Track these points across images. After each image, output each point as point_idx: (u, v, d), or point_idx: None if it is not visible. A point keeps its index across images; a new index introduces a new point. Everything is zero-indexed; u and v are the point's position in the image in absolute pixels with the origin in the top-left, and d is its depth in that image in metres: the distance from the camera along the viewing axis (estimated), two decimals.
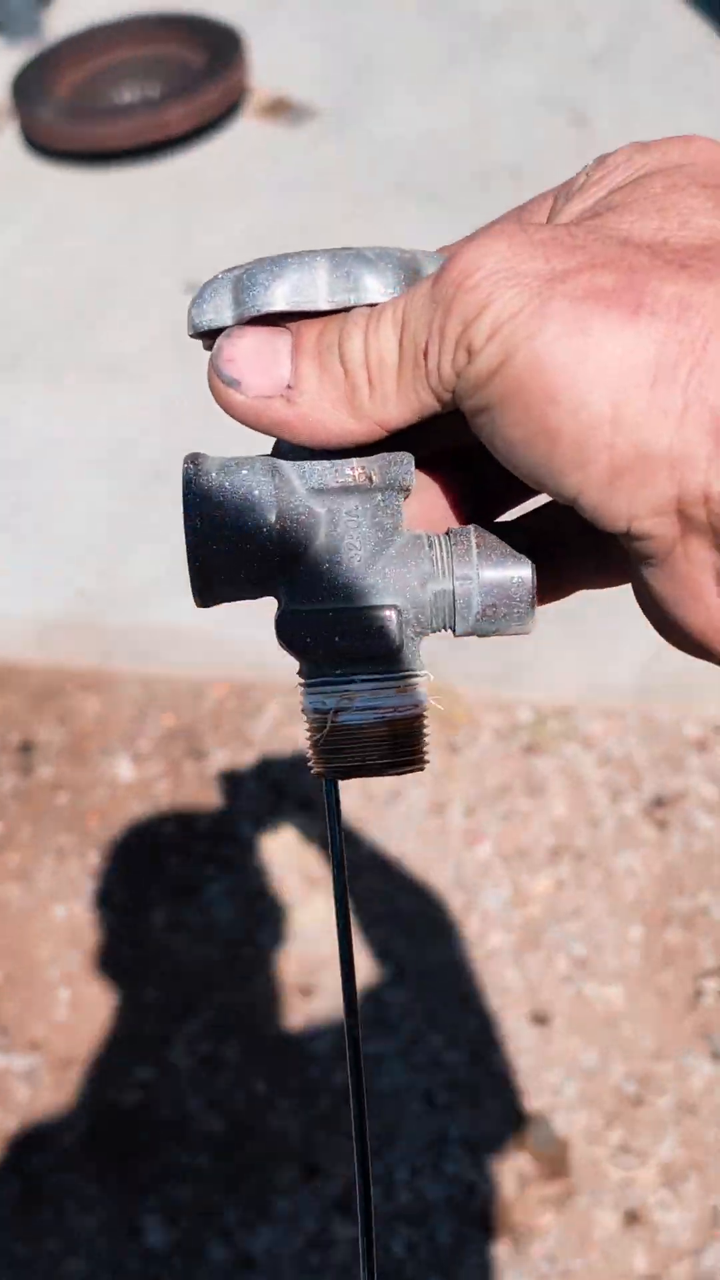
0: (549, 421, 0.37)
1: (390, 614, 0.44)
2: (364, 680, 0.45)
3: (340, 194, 3.34)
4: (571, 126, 3.43)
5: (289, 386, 0.41)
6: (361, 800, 2.21)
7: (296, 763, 2.26)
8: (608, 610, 2.56)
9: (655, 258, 0.38)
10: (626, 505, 0.38)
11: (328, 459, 0.44)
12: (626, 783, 2.22)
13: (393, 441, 0.43)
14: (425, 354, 0.39)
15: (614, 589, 0.48)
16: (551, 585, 0.47)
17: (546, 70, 3.65)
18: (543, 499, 0.43)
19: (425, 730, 0.45)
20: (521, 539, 0.45)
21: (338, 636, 0.44)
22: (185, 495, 0.44)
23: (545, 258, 0.38)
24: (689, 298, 0.37)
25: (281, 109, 3.61)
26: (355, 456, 0.44)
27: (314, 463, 0.44)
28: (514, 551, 0.45)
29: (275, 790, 2.25)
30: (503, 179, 3.30)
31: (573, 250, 0.38)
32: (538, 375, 0.37)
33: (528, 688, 2.33)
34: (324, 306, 0.41)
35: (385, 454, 0.44)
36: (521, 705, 2.32)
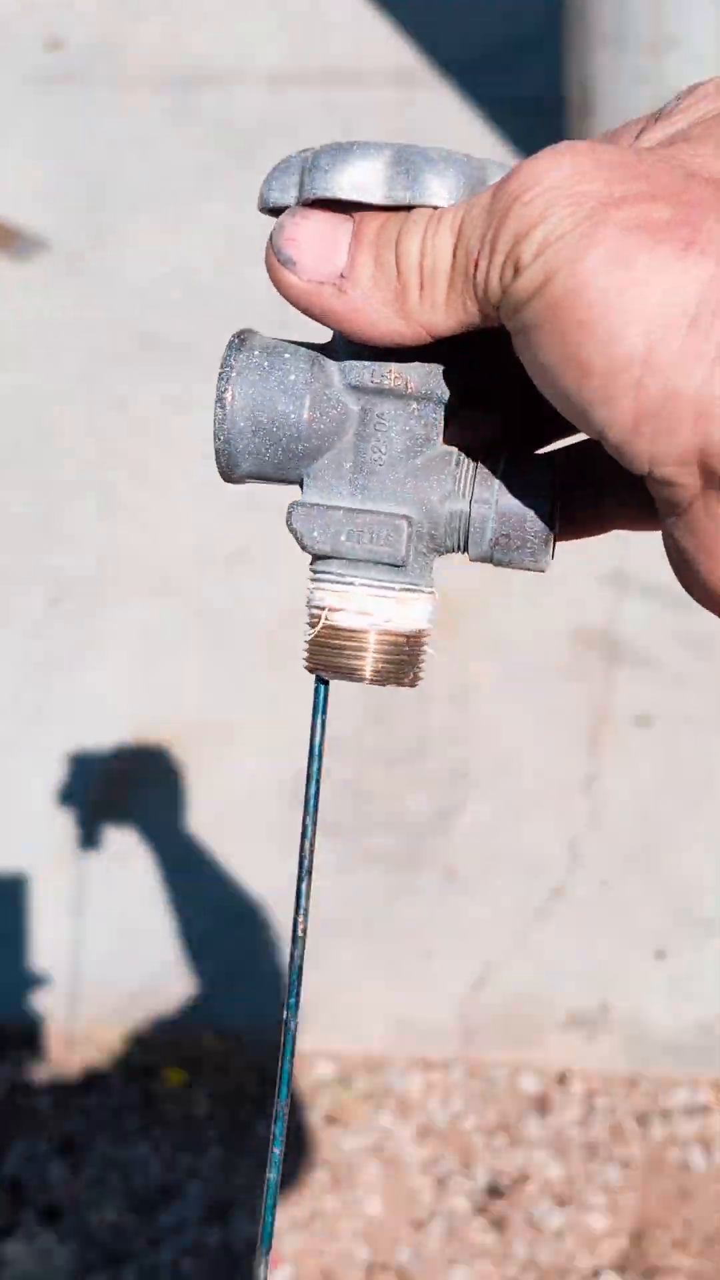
0: (581, 351, 0.36)
1: (401, 523, 0.44)
2: (364, 584, 0.45)
3: (74, 349, 2.84)
4: None
5: (342, 276, 0.41)
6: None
7: None
8: (419, 926, 2.26)
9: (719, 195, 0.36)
10: (649, 449, 0.37)
11: (371, 360, 0.43)
12: (455, 1164, 1.78)
13: (438, 356, 0.43)
14: (476, 264, 0.39)
15: None
16: (587, 520, 0.46)
17: None
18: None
19: (421, 649, 0.46)
20: (552, 475, 0.44)
21: (345, 535, 0.44)
22: (223, 366, 0.44)
23: (606, 181, 0.37)
24: None
25: (4, 240, 3.09)
26: (399, 362, 0.43)
27: (355, 361, 0.44)
28: (540, 485, 0.44)
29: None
30: (269, 327, 2.85)
31: (635, 177, 0.37)
32: (575, 302, 0.36)
33: (324, 1031, 1.87)
34: (381, 201, 0.41)
35: (428, 365, 0.43)
36: (320, 1057, 1.86)
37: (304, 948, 0.47)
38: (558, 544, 0.45)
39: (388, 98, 3.50)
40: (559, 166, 0.37)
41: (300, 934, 0.47)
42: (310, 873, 0.47)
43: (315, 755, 0.47)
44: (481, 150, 3.28)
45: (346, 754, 2.14)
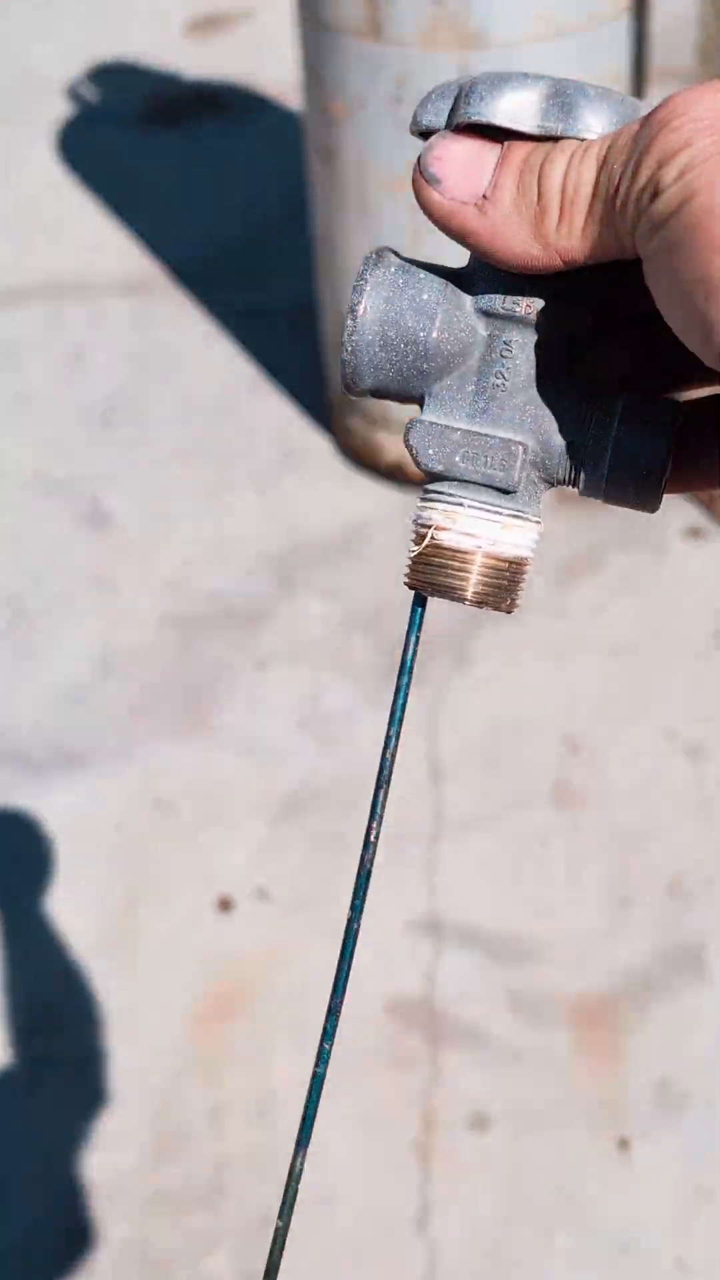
0: (710, 269, 0.37)
1: (518, 449, 0.45)
2: (473, 505, 0.45)
3: None
4: (89, 527, 2.64)
5: (484, 197, 0.42)
6: None
7: None
8: None
9: None
10: None
11: (504, 289, 0.44)
12: None
13: (572, 289, 0.44)
14: (617, 189, 0.39)
15: None
16: (700, 473, 0.46)
17: (48, 441, 2.85)
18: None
19: (522, 575, 0.46)
20: (673, 417, 0.45)
21: (460, 456, 0.45)
22: (357, 280, 0.45)
23: None
24: None
25: None
26: (534, 295, 0.44)
27: (489, 286, 0.44)
28: (658, 426, 0.44)
29: None
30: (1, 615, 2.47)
31: None
32: (712, 220, 0.37)
33: None
34: (533, 130, 0.42)
35: (560, 297, 0.44)
36: None
37: (374, 853, 0.49)
38: (666, 495, 0.45)
39: (120, 309, 3.15)
40: (706, 100, 0.38)
41: (373, 840, 0.49)
42: (389, 782, 0.49)
43: (406, 669, 0.49)
44: (221, 358, 2.96)
45: (128, 1200, 1.75)
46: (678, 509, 2.55)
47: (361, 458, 2.65)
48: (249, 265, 3.21)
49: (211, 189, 3.51)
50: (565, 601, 2.41)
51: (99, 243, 3.34)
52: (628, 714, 2.23)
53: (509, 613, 0.47)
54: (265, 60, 3.80)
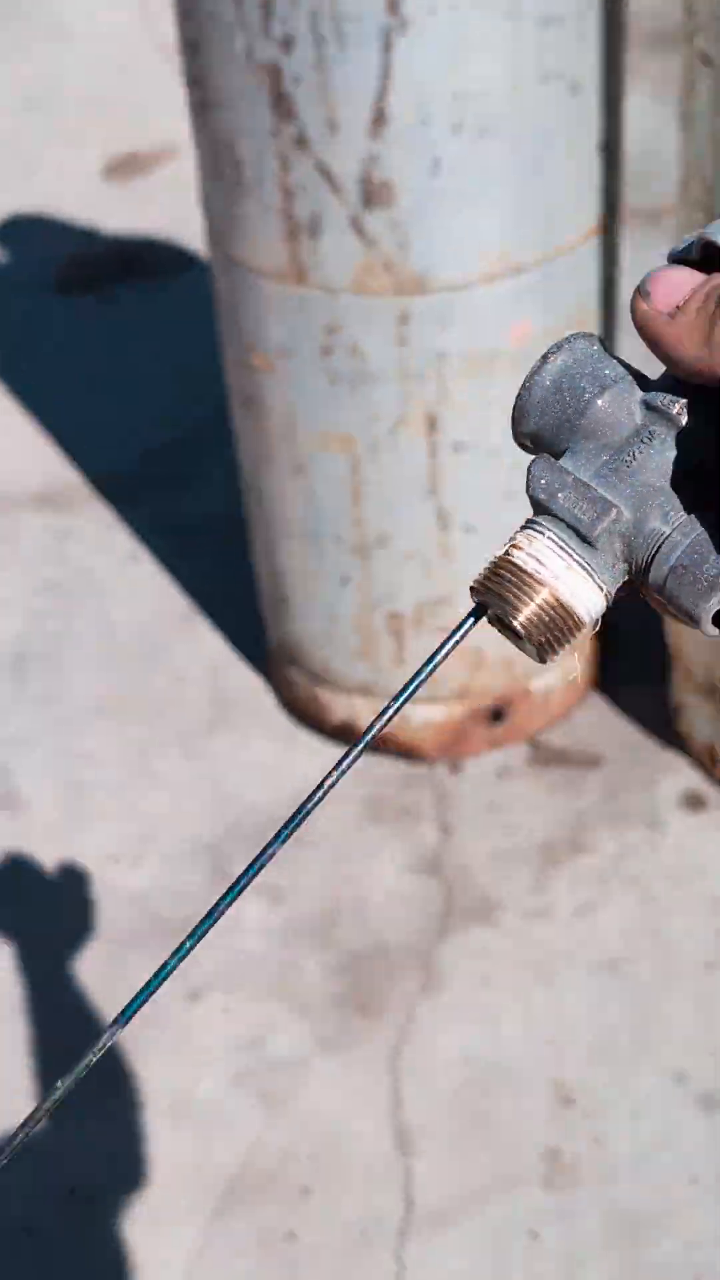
0: None
1: (611, 509, 0.50)
2: (552, 537, 0.50)
3: None
4: None
5: (677, 308, 0.49)
6: None
7: None
8: None
9: None
10: None
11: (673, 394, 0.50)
12: None
13: None
14: None
15: None
16: None
17: None
18: None
19: (571, 631, 0.50)
20: None
21: (563, 496, 0.50)
22: (560, 340, 0.52)
23: None
24: None
25: None
26: (701, 414, 0.50)
27: (658, 393, 0.50)
28: None
29: None
30: None
31: None
32: None
33: None
34: None
35: (710, 408, 0.50)
36: None
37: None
38: None
39: (34, 525, 2.82)
40: None
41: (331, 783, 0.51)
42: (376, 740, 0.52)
43: (428, 668, 0.52)
44: (147, 585, 2.62)
45: None
46: (672, 772, 2.22)
47: (305, 715, 2.32)
48: (178, 470, 2.88)
49: (135, 372, 3.18)
50: (546, 897, 2.07)
51: (8, 445, 3.01)
52: (627, 1051, 1.89)
53: (541, 662, 0.51)
54: (190, 205, 3.48)
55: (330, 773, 0.51)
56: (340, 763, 0.51)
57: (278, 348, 1.85)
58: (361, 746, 0.50)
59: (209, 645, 2.52)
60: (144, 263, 3.55)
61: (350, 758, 0.50)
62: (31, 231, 3.70)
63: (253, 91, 1.68)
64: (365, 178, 1.70)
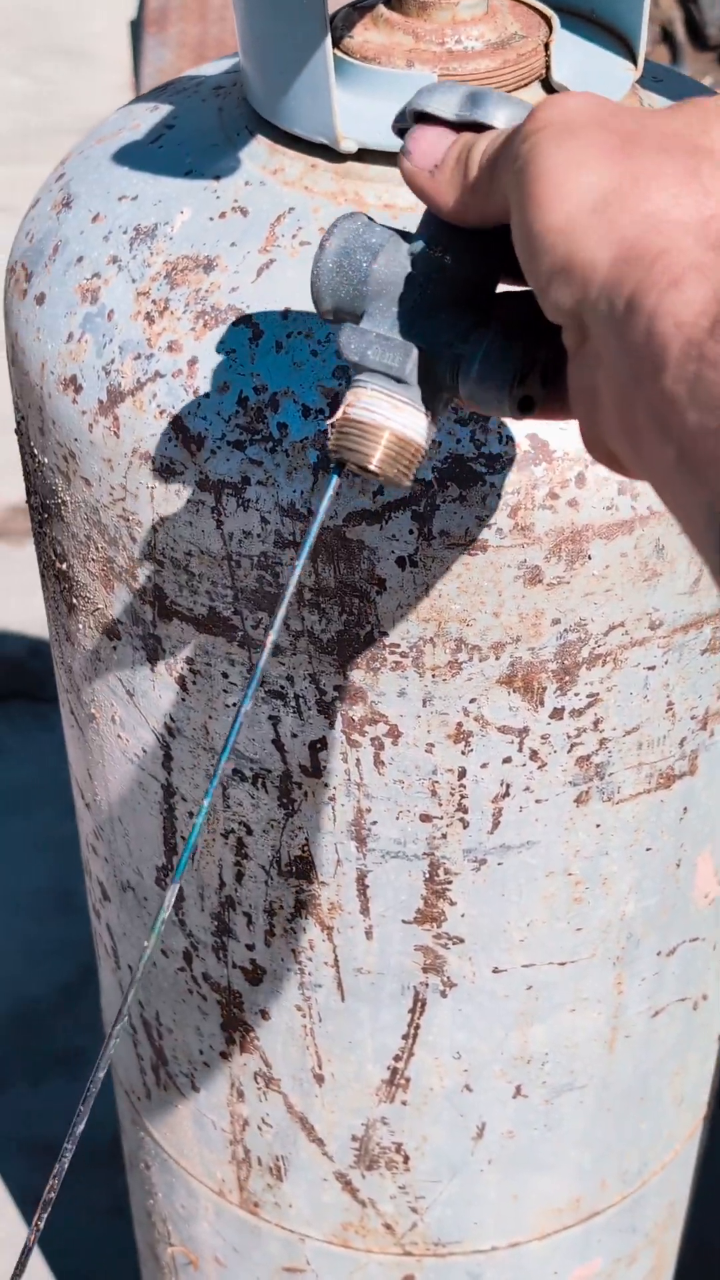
0: (528, 219, 0.49)
1: (412, 350, 0.57)
2: (374, 388, 0.57)
3: None
4: None
5: (436, 166, 0.56)
6: None
7: None
8: None
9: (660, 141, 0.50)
10: (553, 301, 0.48)
11: (437, 243, 0.58)
12: None
13: (487, 245, 0.57)
14: (496, 160, 0.53)
15: None
16: (560, 399, 0.57)
17: None
18: None
19: (412, 457, 0.57)
20: (528, 342, 0.56)
21: (371, 350, 0.57)
22: (330, 226, 0.59)
23: (592, 114, 0.50)
24: (644, 162, 0.48)
25: None
26: (455, 245, 0.57)
27: (423, 238, 0.58)
28: (517, 346, 0.55)
29: None
30: None
31: (608, 118, 0.50)
32: (533, 183, 0.49)
33: None
34: (451, 117, 0.56)
35: (467, 246, 0.57)
36: None
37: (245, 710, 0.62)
38: (545, 420, 0.59)
39: None
40: (572, 99, 0.50)
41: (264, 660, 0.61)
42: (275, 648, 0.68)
43: (305, 549, 0.59)
44: None
45: None
46: None
47: None
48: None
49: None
50: None
51: None
52: None
53: (398, 486, 0.57)
54: None
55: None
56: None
57: (211, 1253, 1.22)
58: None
59: None
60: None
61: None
62: None
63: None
64: (364, 1137, 1.06)
